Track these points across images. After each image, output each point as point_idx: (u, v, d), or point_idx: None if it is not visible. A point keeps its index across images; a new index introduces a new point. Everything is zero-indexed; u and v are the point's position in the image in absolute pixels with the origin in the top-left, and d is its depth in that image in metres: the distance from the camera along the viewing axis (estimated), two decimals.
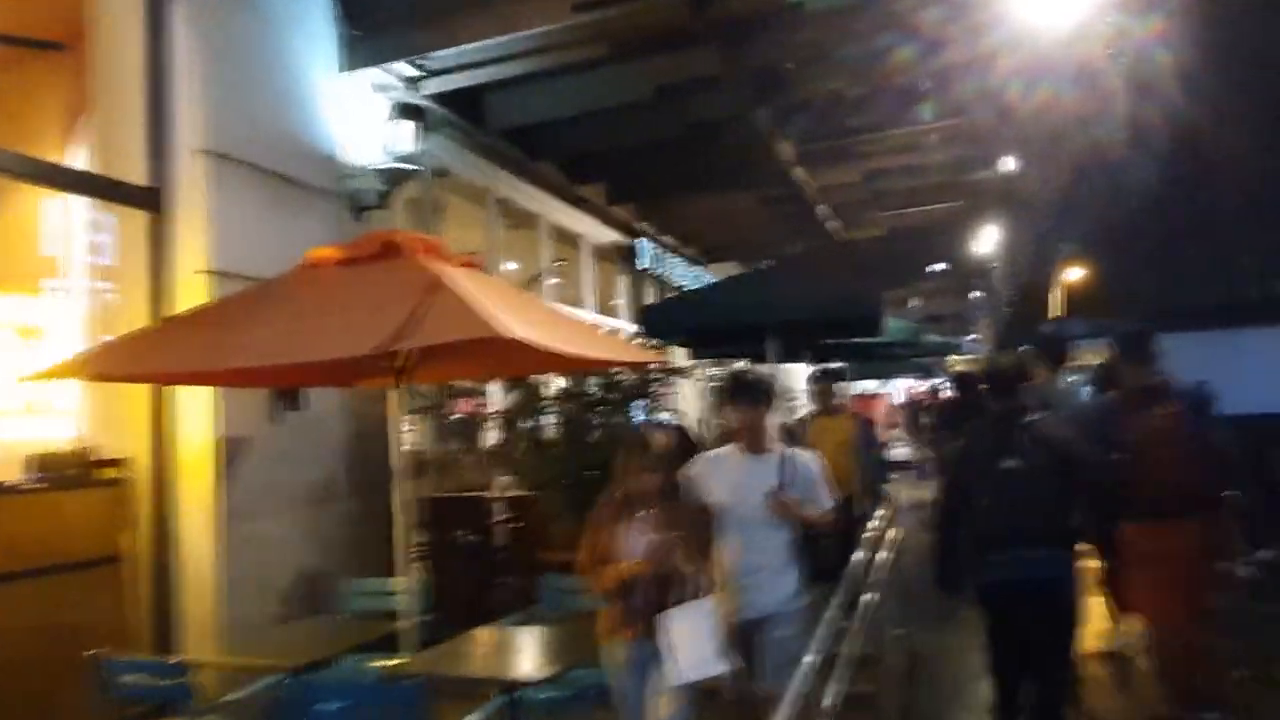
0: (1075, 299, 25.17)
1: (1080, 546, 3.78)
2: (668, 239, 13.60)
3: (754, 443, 3.90)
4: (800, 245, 15.10)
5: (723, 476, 3.82)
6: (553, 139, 9.20)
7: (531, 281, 7.56)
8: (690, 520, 3.45)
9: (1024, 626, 3.69)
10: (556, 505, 6.19)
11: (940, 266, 23.80)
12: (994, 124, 9.99)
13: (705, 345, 9.82)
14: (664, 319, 7.84)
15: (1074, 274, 24.95)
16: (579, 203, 11.26)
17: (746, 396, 3.93)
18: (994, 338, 28.77)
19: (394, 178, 6.94)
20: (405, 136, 7.19)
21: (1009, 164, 11.05)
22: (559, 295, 11.56)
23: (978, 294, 27.99)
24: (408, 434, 7.55)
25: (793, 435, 9.21)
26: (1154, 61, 8.04)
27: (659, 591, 3.29)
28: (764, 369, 9.00)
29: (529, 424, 6.54)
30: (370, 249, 3.88)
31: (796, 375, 25.65)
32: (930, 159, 11.72)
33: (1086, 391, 6.95)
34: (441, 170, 8.87)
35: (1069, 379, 7.77)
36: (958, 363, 36.76)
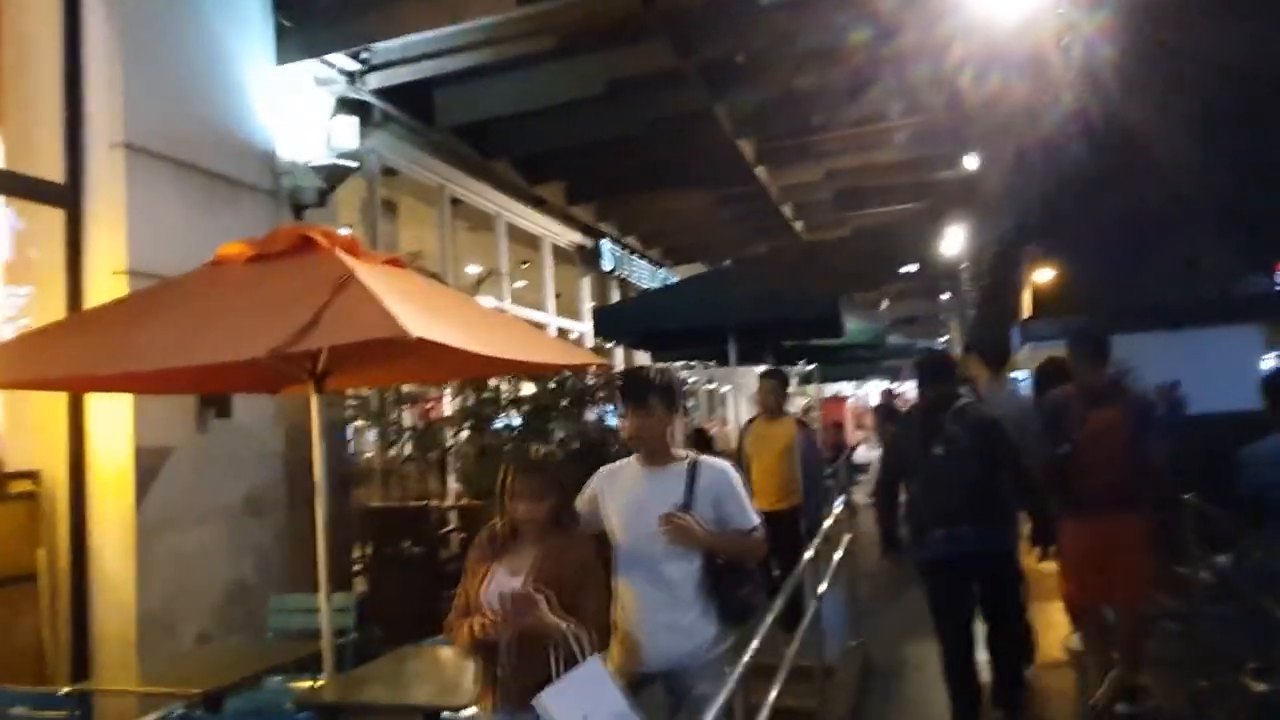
0: (1043, 300, 25.37)
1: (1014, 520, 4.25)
2: (631, 240, 13.42)
3: (652, 453, 3.11)
4: (765, 246, 14.99)
5: (617, 496, 3.13)
6: (506, 137, 8.98)
7: (480, 283, 7.30)
8: (575, 559, 2.77)
9: (961, 597, 4.14)
10: None
11: (910, 269, 23.83)
12: (955, 120, 9.90)
13: (664, 348, 9.63)
14: (616, 321, 7.64)
15: (1041, 275, 25.18)
16: (538, 203, 11.04)
17: (636, 396, 3.08)
18: (963, 339, 28.88)
19: (334, 175, 6.69)
20: (348, 133, 6.94)
21: (972, 161, 10.96)
22: (520, 297, 11.35)
23: (947, 296, 28.07)
24: (355, 441, 7.32)
25: (706, 441, 9.08)
26: (1106, 62, 8.01)
27: (524, 657, 2.65)
28: (722, 369, 8.84)
29: (479, 429, 6.29)
30: (282, 244, 3.63)
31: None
32: (892, 157, 11.62)
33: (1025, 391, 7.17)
34: (390, 169, 8.63)
35: (1013, 379, 7.65)
36: None
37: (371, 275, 3.34)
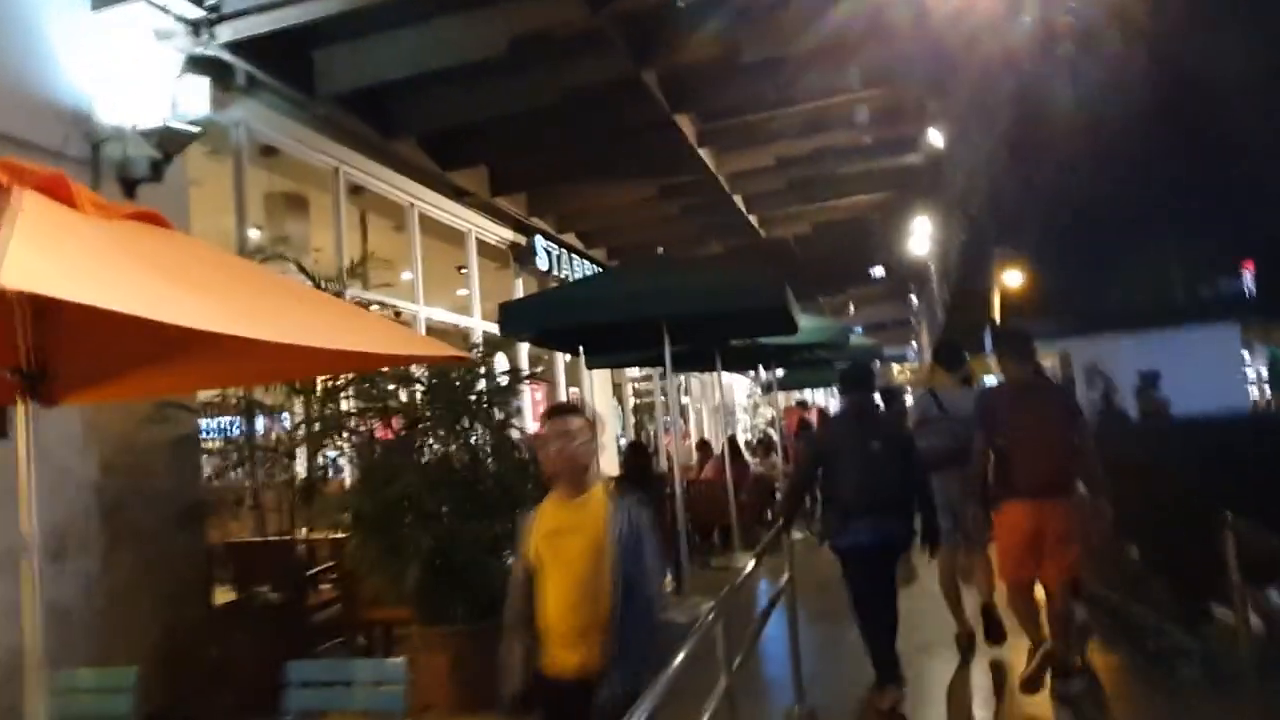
0: (1012, 303, 24.70)
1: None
2: (569, 239, 12.35)
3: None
4: (721, 246, 14.00)
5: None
6: (404, 109, 7.89)
7: (354, 271, 6.17)
8: None
9: (879, 579, 4.67)
10: (372, 550, 4.80)
11: (878, 272, 22.99)
12: (917, 94, 8.97)
13: (586, 347, 8.56)
14: (527, 316, 6.58)
15: (1011, 278, 24.47)
16: (458, 194, 9.95)
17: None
18: (932, 345, 28.10)
19: (170, 141, 5.56)
20: (197, 97, 5.84)
21: (937, 138, 10.00)
22: (438, 300, 10.23)
23: (916, 301, 27.27)
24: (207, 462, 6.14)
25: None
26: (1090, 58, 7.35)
27: None
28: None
29: (331, 446, 5.15)
30: None
31: (735, 387, 24.38)
32: (849, 139, 10.67)
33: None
34: (271, 148, 7.51)
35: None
36: (902, 373, 36.22)
37: (42, 218, 2.25)
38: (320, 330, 3.01)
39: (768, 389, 20.22)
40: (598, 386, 14.10)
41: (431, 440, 4.86)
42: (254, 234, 8.59)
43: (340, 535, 5.79)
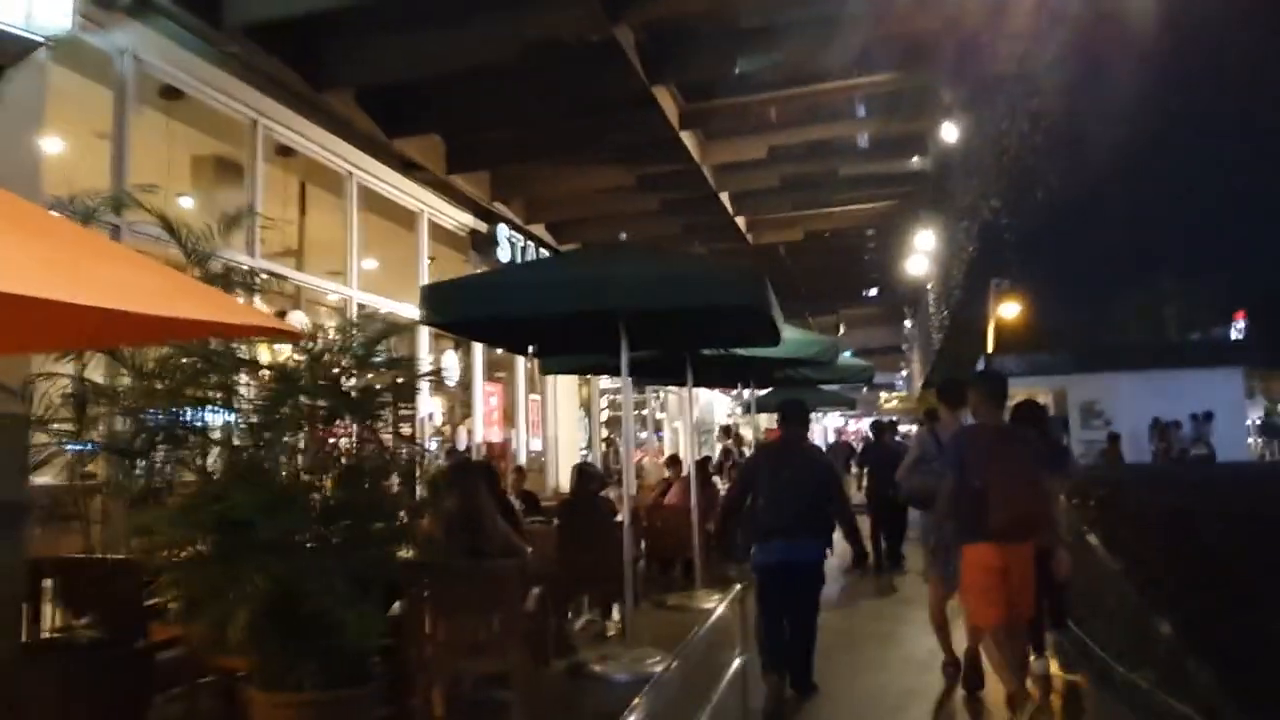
0: (1006, 335, 23.83)
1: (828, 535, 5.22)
2: (537, 230, 11.27)
3: None
4: (702, 248, 12.95)
5: None
6: (339, 57, 6.81)
7: (231, 223, 4.99)
8: None
9: (787, 592, 5.06)
10: (208, 578, 3.61)
11: (872, 292, 22.04)
12: (933, 79, 7.97)
13: (545, 347, 7.49)
14: (451, 302, 5.47)
15: (1007, 310, 23.61)
16: (408, 167, 8.87)
17: None
18: (925, 374, 27.16)
19: (4, 50, 4.46)
20: (55, 6, 4.75)
21: (951, 134, 8.97)
22: (382, 288, 9.11)
23: (909, 325, 26.31)
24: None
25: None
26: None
27: None
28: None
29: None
30: None
31: (715, 405, 23.32)
32: (851, 132, 9.66)
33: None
34: (173, 89, 6.42)
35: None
36: (890, 401, 35.28)
37: None
38: (105, 289, 1.95)
39: (747, 409, 19.20)
40: (562, 395, 13.03)
41: (281, 445, 3.70)
42: (186, 203, 7.60)
43: (184, 555, 4.61)
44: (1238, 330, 36.80)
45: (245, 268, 5.23)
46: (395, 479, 3.79)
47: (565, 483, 12.82)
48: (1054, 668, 5.66)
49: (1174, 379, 21.64)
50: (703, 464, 9.74)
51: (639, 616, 7.94)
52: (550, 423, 12.61)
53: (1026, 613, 4.59)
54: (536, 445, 12.27)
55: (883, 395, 36.60)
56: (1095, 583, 7.42)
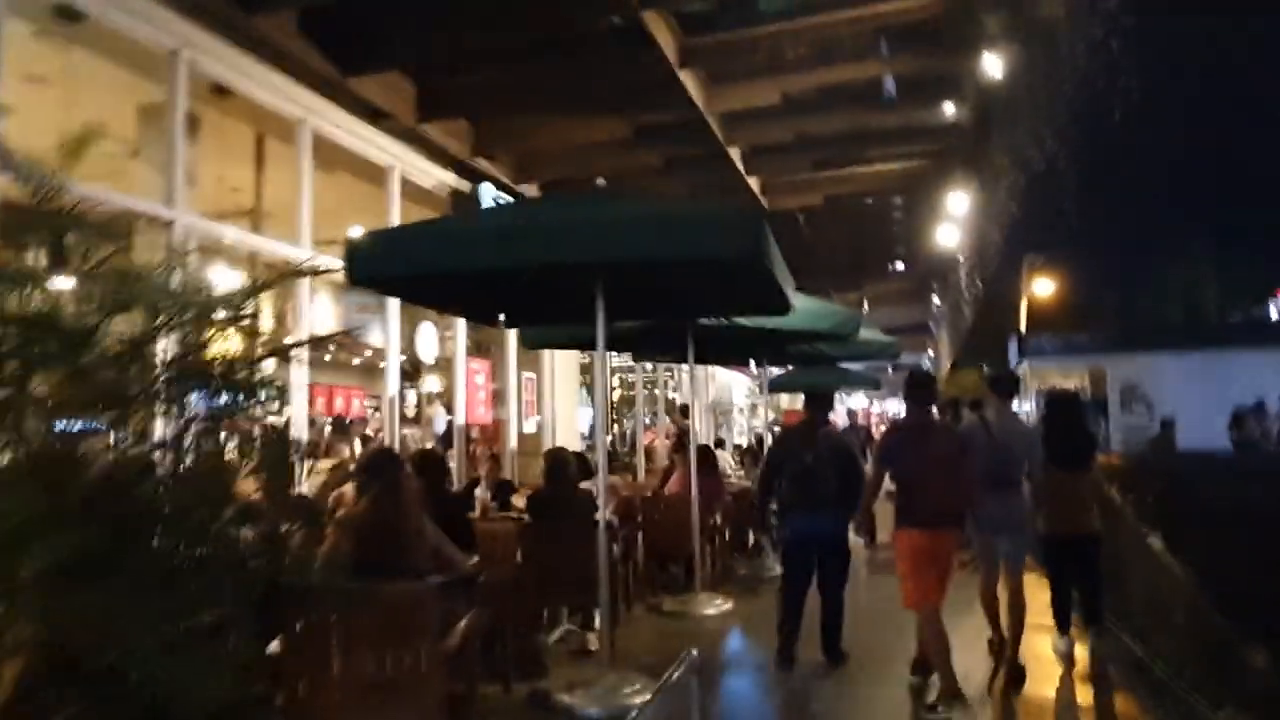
0: (1041, 313, 22.55)
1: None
2: (528, 189, 10.21)
3: None
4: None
5: None
6: None
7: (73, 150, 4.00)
8: None
9: (809, 562, 5.62)
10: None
11: (898, 266, 20.84)
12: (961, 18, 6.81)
13: (519, 316, 6.51)
14: (386, 257, 4.46)
15: (1041, 287, 22.30)
16: (374, 116, 7.87)
17: None
18: (953, 354, 25.89)
19: None
20: None
21: (995, 68, 7.74)
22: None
23: (938, 303, 25.02)
24: None
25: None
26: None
27: None
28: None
29: None
30: None
31: (734, 385, 22.22)
32: (872, 73, 8.51)
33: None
34: (67, 9, 5.44)
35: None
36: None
37: None
38: None
39: (772, 388, 18.12)
40: (560, 372, 12.02)
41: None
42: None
43: None
44: (1278, 308, 35.15)
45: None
46: (251, 475, 2.81)
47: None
48: (1087, 662, 5.49)
49: (1221, 361, 20.32)
50: (705, 451, 8.72)
51: (629, 624, 7.00)
52: (547, 403, 11.63)
53: (940, 601, 4.89)
54: (531, 427, 11.30)
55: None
56: (1159, 591, 6.37)
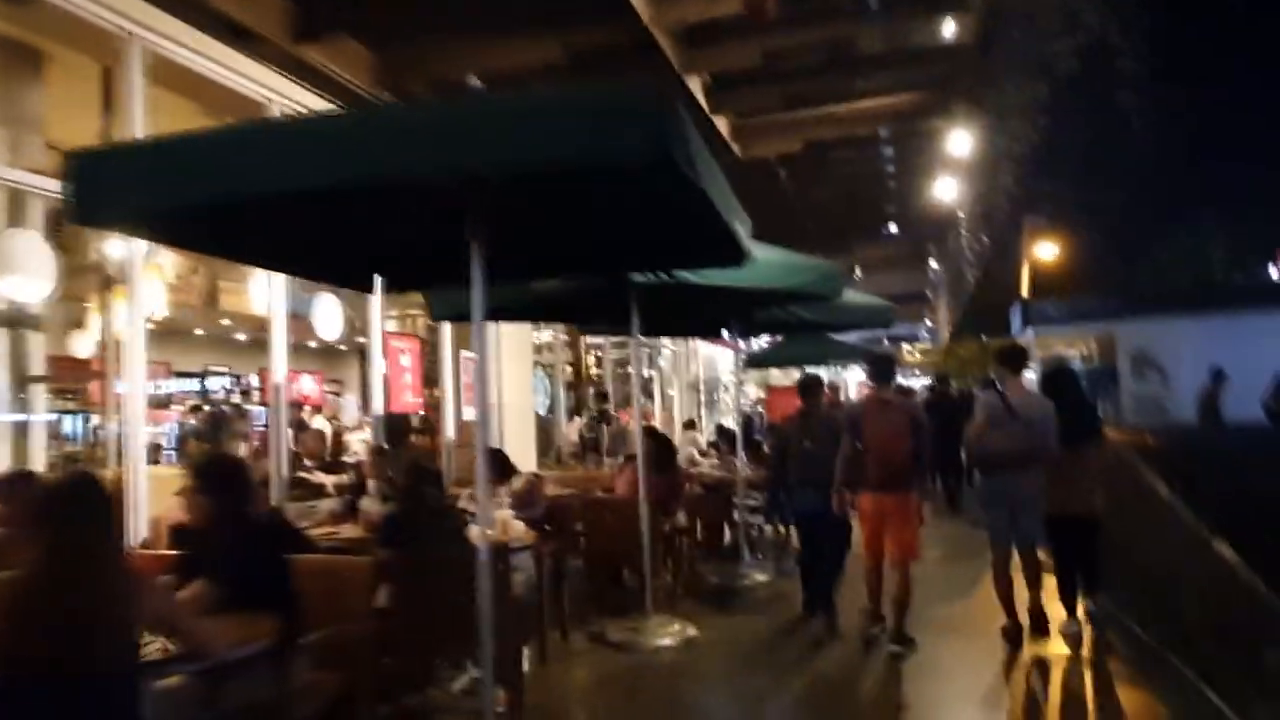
0: (1042, 279, 21.15)
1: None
2: None
3: None
4: None
5: None
6: None
7: None
8: None
9: (816, 532, 6.15)
10: None
11: (891, 229, 19.32)
12: None
13: (405, 276, 5.07)
14: (128, 181, 2.98)
15: (1043, 250, 20.87)
16: (239, 38, 6.34)
17: None
18: (952, 323, 24.44)
19: None
20: None
21: None
22: None
23: (935, 267, 23.49)
24: None
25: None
26: None
27: None
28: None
29: None
30: None
31: (718, 361, 20.71)
32: None
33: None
34: None
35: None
36: (912, 354, 32.56)
37: None
38: None
39: (754, 363, 16.67)
40: (509, 351, 10.54)
41: None
42: None
43: None
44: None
45: None
46: None
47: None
48: (1088, 637, 5.53)
49: (1236, 325, 18.96)
50: (658, 441, 7.27)
51: (560, 662, 5.61)
52: (493, 386, 10.16)
53: (905, 550, 5.42)
54: (474, 414, 9.86)
55: (905, 347, 33.85)
56: (1227, 612, 5.08)
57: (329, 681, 3.63)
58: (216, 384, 12.43)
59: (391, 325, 12.42)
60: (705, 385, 20.39)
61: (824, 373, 18.32)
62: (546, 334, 13.05)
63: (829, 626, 5.92)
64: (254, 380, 15.33)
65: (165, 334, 13.89)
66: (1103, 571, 5.71)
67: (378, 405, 8.00)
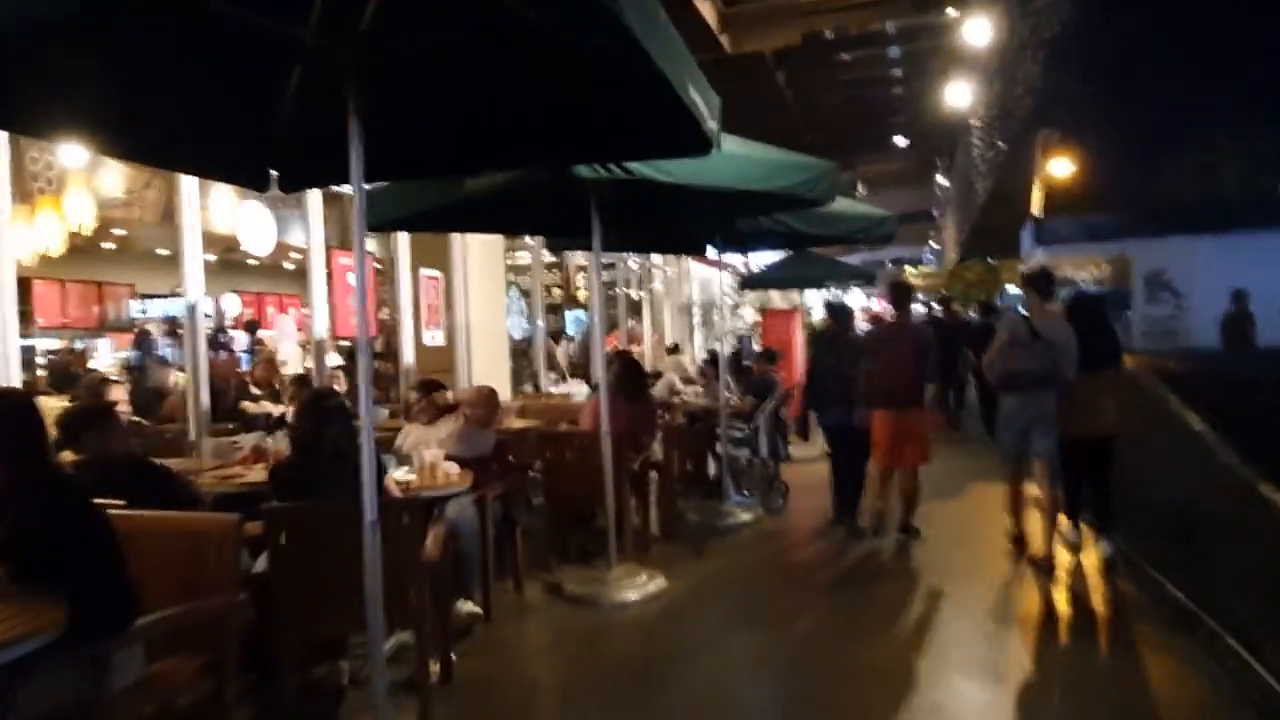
0: (1056, 196, 20.15)
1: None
2: None
3: None
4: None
5: None
6: None
7: None
8: None
9: (844, 442, 6.62)
10: None
11: (900, 142, 18.19)
12: None
13: (291, 166, 4.20)
14: None
15: (1057, 167, 19.82)
16: None
17: None
18: (959, 243, 23.45)
19: None
20: None
21: None
22: None
23: (943, 183, 22.36)
24: None
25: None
26: None
27: None
28: None
29: None
30: None
31: (714, 282, 19.98)
32: None
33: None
34: None
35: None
36: (918, 278, 31.55)
37: None
38: None
39: (744, 284, 15.81)
40: (477, 267, 9.69)
41: None
42: None
43: None
44: None
45: None
46: None
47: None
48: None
49: (1255, 243, 18.00)
50: (628, 367, 6.49)
51: (506, 619, 4.98)
52: (460, 308, 9.36)
53: (914, 459, 6.24)
54: (437, 339, 9.09)
55: (908, 269, 32.89)
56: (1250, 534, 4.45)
57: (184, 669, 2.95)
58: (165, 309, 11.59)
59: (373, 246, 11.62)
60: (701, 309, 19.55)
61: (825, 296, 17.58)
62: (525, 255, 12.18)
63: (851, 532, 6.50)
64: (228, 307, 14.63)
65: (126, 254, 13.11)
66: (1115, 496, 5.80)
67: (320, 328, 7.21)
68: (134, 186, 9.69)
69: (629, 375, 6.34)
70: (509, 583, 5.37)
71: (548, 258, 16.56)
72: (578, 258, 15.71)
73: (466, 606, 4.68)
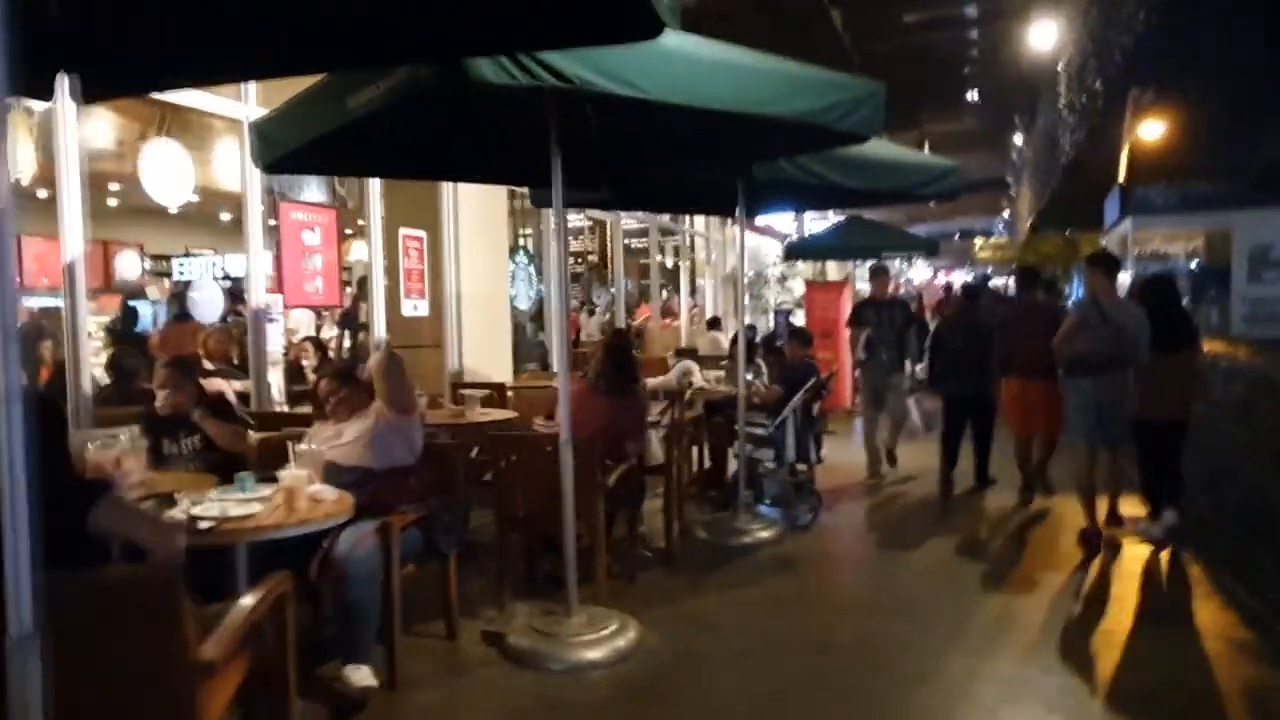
0: (1147, 162, 18.29)
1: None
2: None
3: None
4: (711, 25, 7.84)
5: None
6: None
7: None
8: None
9: (956, 415, 7.16)
10: None
11: (972, 96, 16.41)
12: None
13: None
14: None
15: (1149, 130, 17.92)
16: None
17: None
18: (1034, 212, 21.51)
19: None
20: None
21: None
22: None
23: (1020, 145, 20.37)
24: None
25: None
26: None
27: None
28: None
29: None
30: None
31: (763, 251, 18.39)
32: None
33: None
34: None
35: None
36: (984, 250, 29.51)
37: None
38: None
39: (789, 254, 14.34)
40: (470, 227, 8.43)
41: None
42: None
43: None
44: None
45: None
46: None
47: (473, 366, 8.51)
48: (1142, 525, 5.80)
49: None
50: (616, 349, 5.16)
51: (419, 687, 3.80)
52: (449, 274, 8.12)
53: (1046, 428, 6.60)
54: (419, 309, 7.89)
55: (977, 242, 30.78)
56: None
57: None
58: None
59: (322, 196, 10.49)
60: (750, 281, 18.09)
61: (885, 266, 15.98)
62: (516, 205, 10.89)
63: (981, 494, 7.09)
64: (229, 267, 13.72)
65: (137, 212, 12.20)
66: (1184, 476, 5.77)
67: (257, 295, 6.06)
68: (126, 138, 8.85)
69: (617, 363, 5.04)
70: (442, 624, 4.20)
71: (575, 220, 15.29)
72: (623, 223, 14.32)
73: (358, 675, 3.50)
